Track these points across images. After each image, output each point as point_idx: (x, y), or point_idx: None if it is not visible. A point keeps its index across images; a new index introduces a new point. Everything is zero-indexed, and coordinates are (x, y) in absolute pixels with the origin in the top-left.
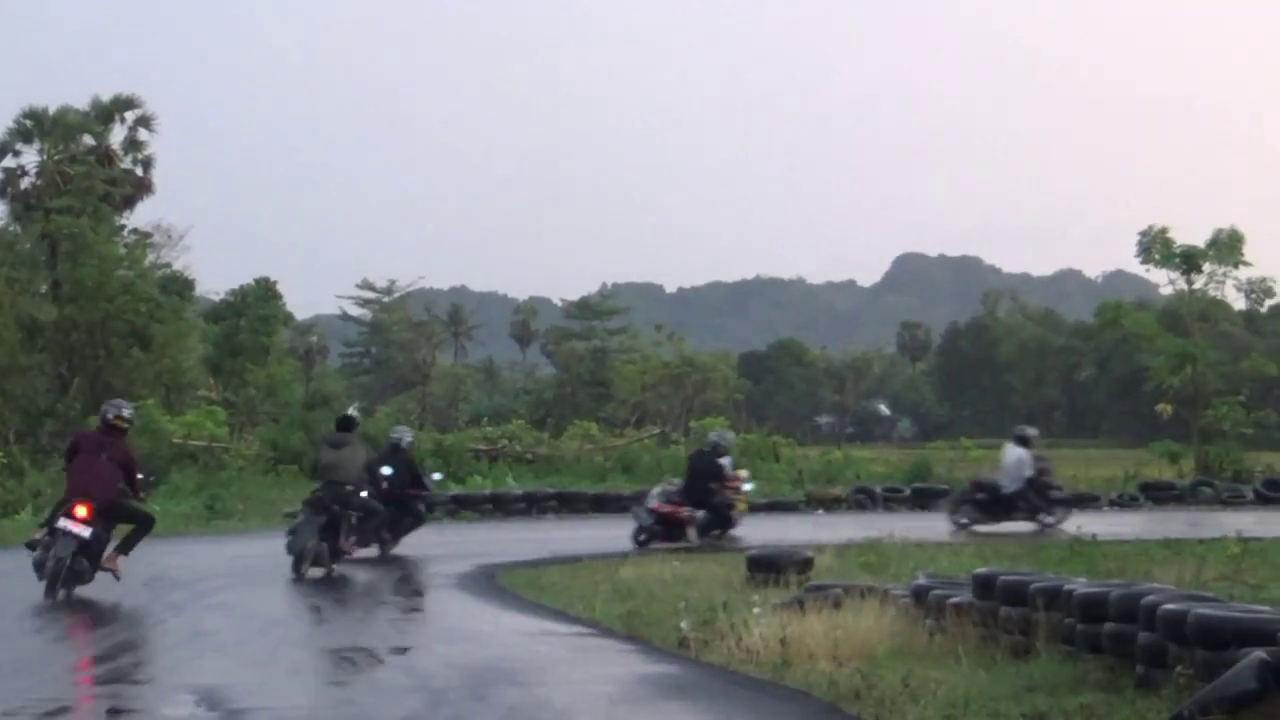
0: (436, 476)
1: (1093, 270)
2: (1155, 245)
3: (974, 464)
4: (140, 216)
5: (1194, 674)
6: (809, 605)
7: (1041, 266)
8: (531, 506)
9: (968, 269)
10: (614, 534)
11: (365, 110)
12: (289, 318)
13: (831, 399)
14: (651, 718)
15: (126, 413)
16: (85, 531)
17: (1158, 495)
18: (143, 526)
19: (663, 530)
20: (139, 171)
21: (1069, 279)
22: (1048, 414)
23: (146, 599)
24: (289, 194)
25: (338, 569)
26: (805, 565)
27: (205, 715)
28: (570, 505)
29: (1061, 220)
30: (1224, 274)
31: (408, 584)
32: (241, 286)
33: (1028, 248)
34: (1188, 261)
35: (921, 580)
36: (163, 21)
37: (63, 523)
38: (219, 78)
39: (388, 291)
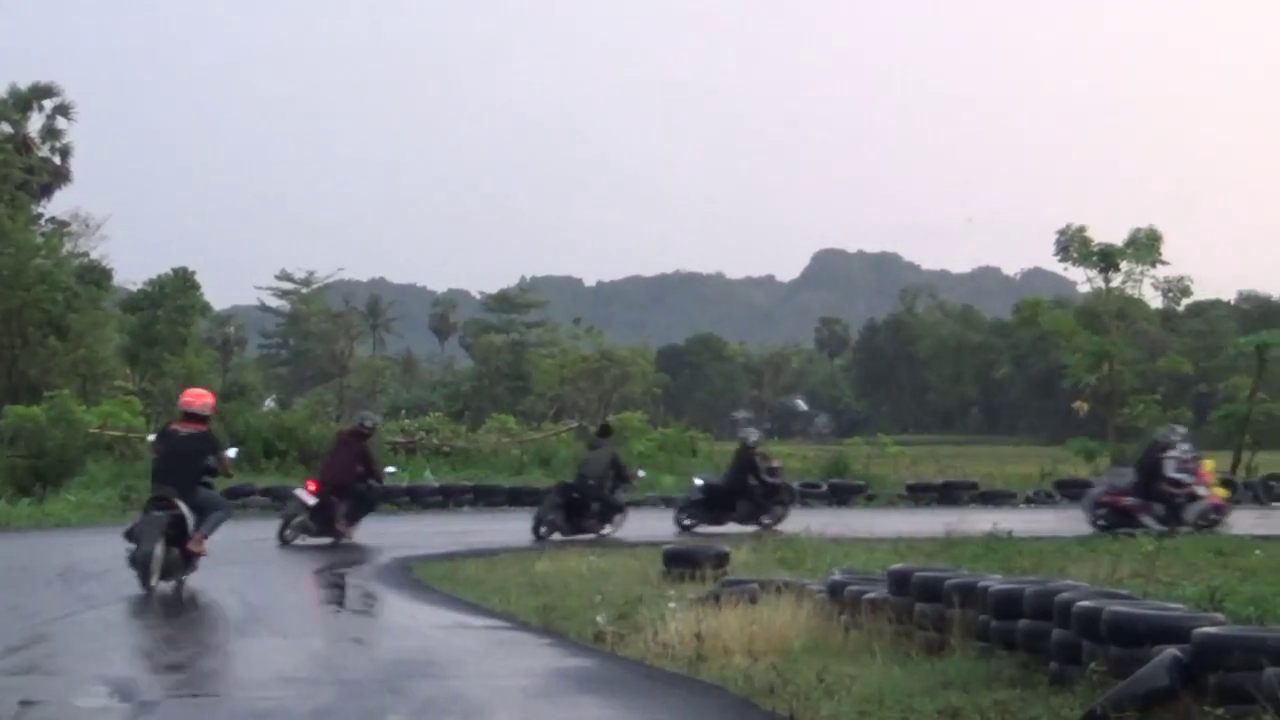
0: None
1: (1011, 268)
2: (1073, 244)
3: (891, 460)
4: (58, 205)
5: (1107, 671)
6: (725, 600)
7: (960, 264)
8: (448, 499)
9: (886, 265)
10: (530, 527)
11: (285, 100)
12: (207, 308)
13: (749, 394)
14: (567, 711)
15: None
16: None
17: (1074, 493)
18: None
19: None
20: (57, 160)
21: (987, 276)
22: (965, 411)
23: (60, 590)
24: (208, 184)
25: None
26: (721, 560)
27: (118, 707)
28: (487, 498)
29: (981, 217)
30: (1141, 273)
31: (324, 576)
32: (159, 276)
33: (947, 245)
34: (1105, 260)
35: (837, 576)
36: (82, 10)
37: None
38: (138, 67)
39: (306, 283)
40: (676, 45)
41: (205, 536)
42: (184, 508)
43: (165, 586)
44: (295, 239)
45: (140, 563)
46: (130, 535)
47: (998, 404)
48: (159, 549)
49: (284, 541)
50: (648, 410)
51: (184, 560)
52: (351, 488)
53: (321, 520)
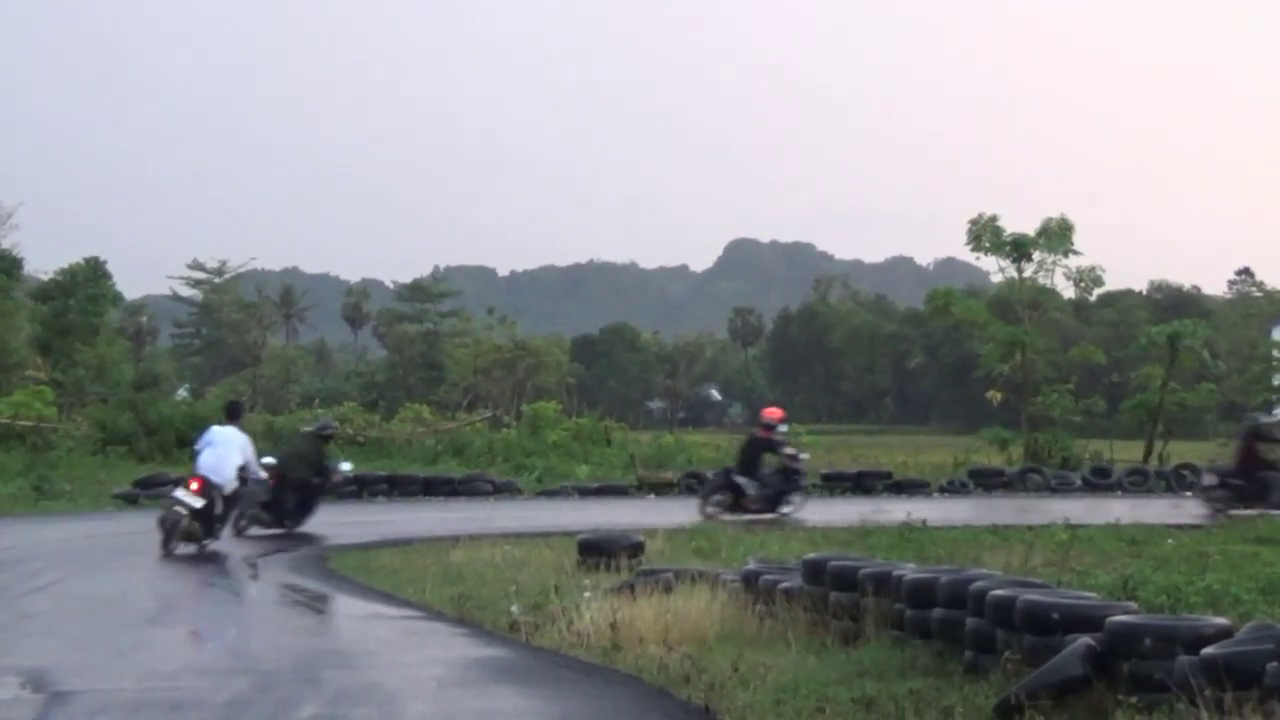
0: (346, 466)
1: (924, 257)
2: (985, 233)
3: (806, 449)
4: None
5: (1022, 659)
6: (640, 590)
7: (873, 253)
8: (362, 489)
9: (800, 255)
10: (444, 517)
11: (197, 90)
12: (118, 298)
13: (663, 384)
14: (481, 701)
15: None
16: None
17: (987, 482)
18: None
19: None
20: None
21: (900, 266)
22: (878, 400)
23: None
24: (119, 173)
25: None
26: (636, 549)
27: (30, 697)
28: (401, 488)
29: (893, 207)
30: (1053, 262)
31: (239, 567)
32: (70, 266)
33: (860, 234)
34: (1017, 250)
35: (752, 565)
36: None
37: None
38: (48, 56)
39: (219, 272)
40: (590, 36)
41: None
42: None
43: (56, 579)
44: (207, 228)
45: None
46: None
47: (911, 393)
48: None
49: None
50: (561, 400)
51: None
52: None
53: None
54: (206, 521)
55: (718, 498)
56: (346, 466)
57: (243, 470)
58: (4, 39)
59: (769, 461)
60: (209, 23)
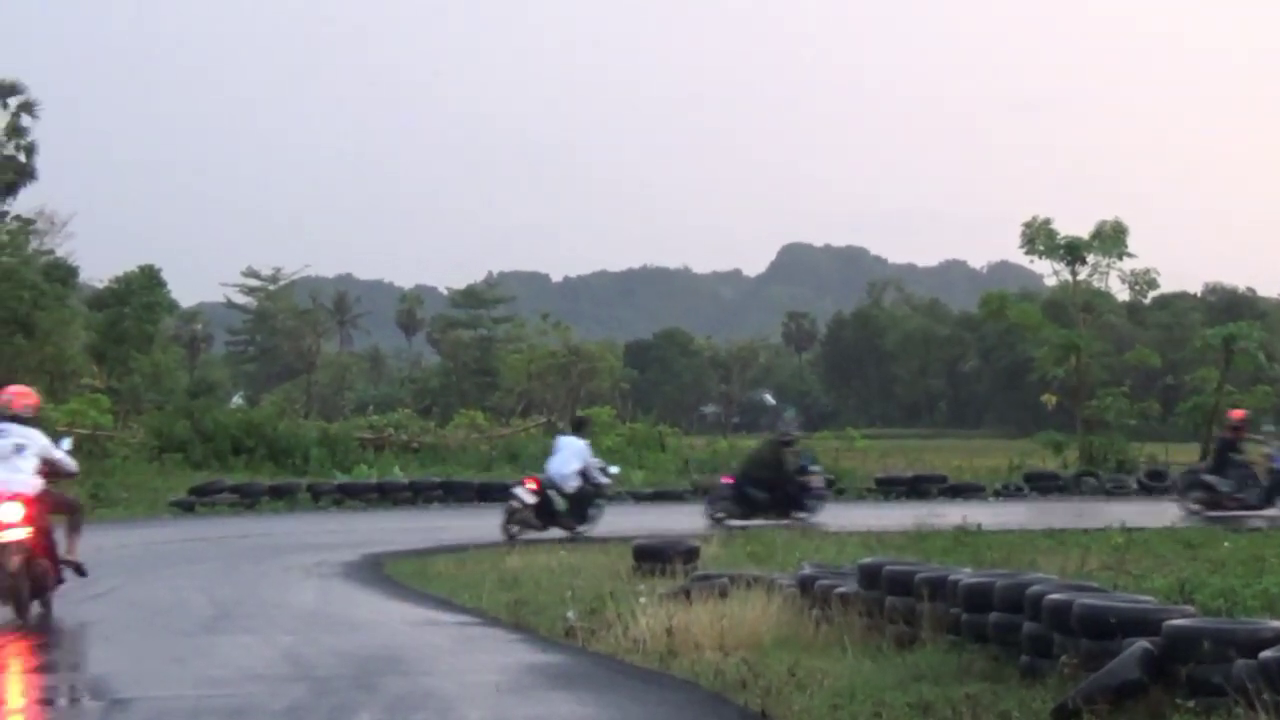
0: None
1: (978, 261)
2: (1039, 236)
3: (859, 453)
4: (23, 203)
5: (1079, 664)
6: (695, 595)
7: (927, 257)
8: (417, 495)
9: (853, 259)
10: (500, 522)
11: (251, 96)
12: (173, 305)
13: (717, 389)
14: (538, 707)
15: None
16: None
17: (1042, 486)
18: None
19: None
20: (21, 158)
21: (954, 269)
22: (932, 404)
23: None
24: (174, 181)
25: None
26: (691, 555)
27: (90, 705)
28: (456, 494)
29: (946, 210)
30: (1108, 265)
31: (295, 573)
32: (126, 274)
33: (913, 238)
34: (1071, 253)
35: (807, 570)
36: (46, 8)
37: None
38: (103, 63)
39: (273, 279)
40: (643, 41)
41: None
42: None
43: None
44: (261, 236)
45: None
46: None
47: (965, 397)
48: None
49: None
50: (615, 405)
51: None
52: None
53: (543, 515)
54: (544, 515)
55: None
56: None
57: (582, 473)
58: (58, 49)
59: None
60: (262, 31)
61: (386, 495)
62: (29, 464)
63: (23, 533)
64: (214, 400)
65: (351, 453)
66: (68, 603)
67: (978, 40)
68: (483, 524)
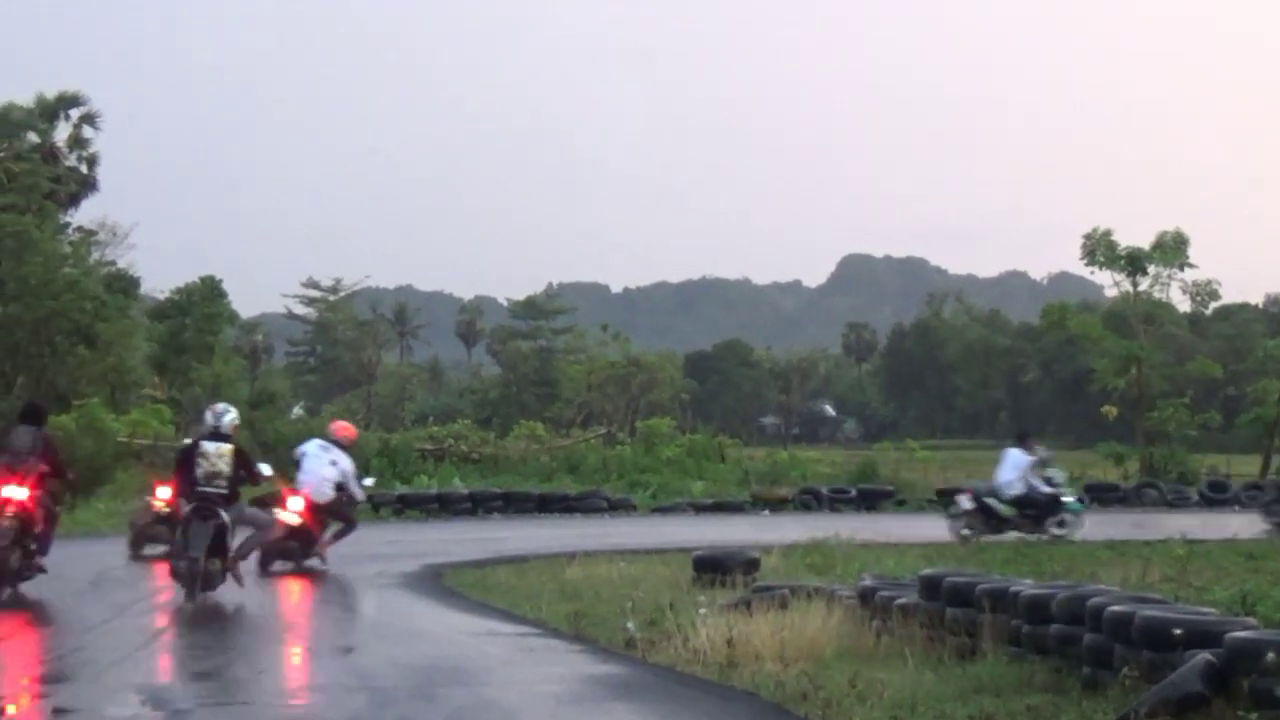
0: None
1: (1038, 272)
2: (1099, 247)
3: (920, 465)
4: (85, 214)
5: (1140, 676)
6: (755, 606)
7: (987, 268)
8: (477, 506)
9: (913, 270)
10: (560, 534)
11: (311, 107)
12: (234, 316)
13: (777, 399)
14: (598, 718)
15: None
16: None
17: (1103, 497)
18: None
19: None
20: (83, 169)
21: (1014, 280)
22: (993, 415)
23: (92, 599)
24: (235, 192)
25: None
26: (751, 566)
27: (150, 715)
28: (516, 505)
29: (1007, 221)
30: (1168, 276)
31: (356, 584)
32: (187, 285)
33: (973, 249)
34: (1132, 264)
35: (868, 581)
36: (108, 18)
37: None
38: (164, 75)
39: (333, 290)
40: (701, 52)
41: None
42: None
43: (176, 597)
44: (322, 247)
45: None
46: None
47: (1025, 408)
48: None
49: None
50: (675, 416)
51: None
52: None
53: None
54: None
55: None
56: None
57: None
58: (120, 60)
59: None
60: (324, 43)
61: (446, 506)
62: (331, 479)
63: (295, 519)
64: (274, 411)
65: (411, 463)
66: (133, 614)
67: (1038, 52)
68: (543, 534)
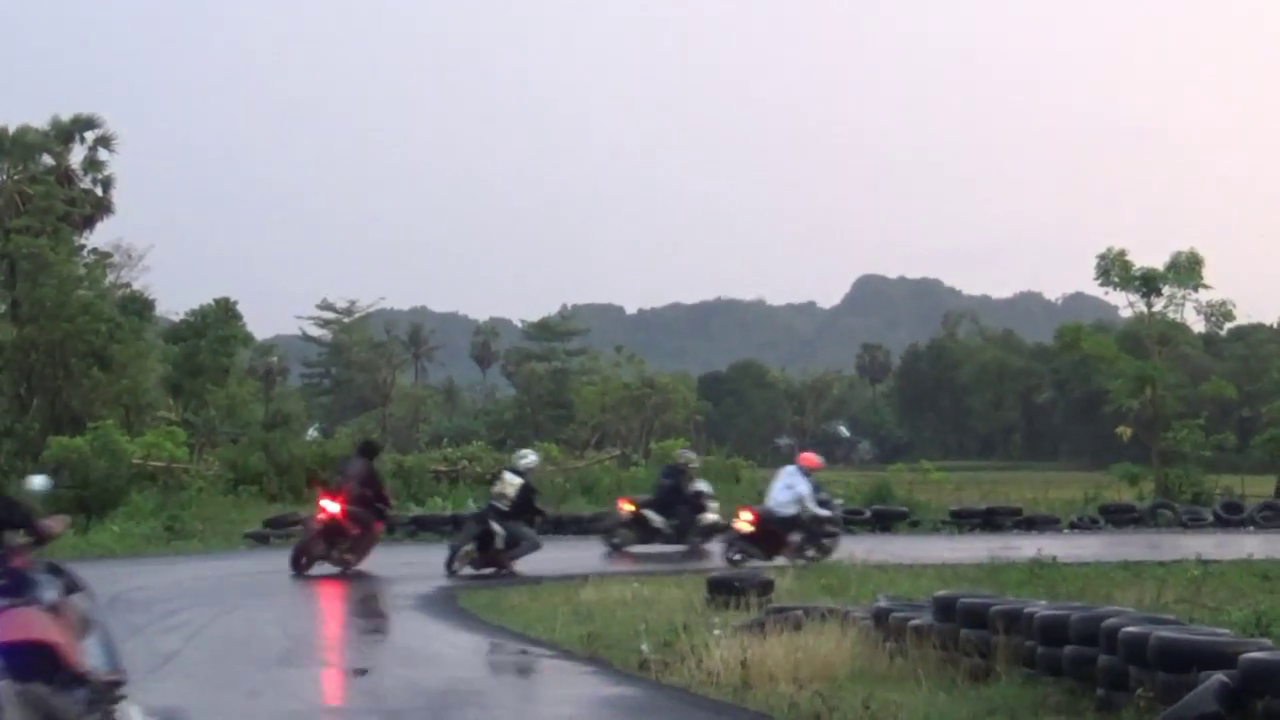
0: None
1: (1052, 292)
2: (1114, 268)
3: (934, 485)
4: (100, 236)
5: (1155, 697)
6: (770, 627)
7: (1001, 289)
8: None
9: (928, 291)
10: (574, 555)
11: (325, 130)
12: (249, 338)
13: (791, 420)
14: None
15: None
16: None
17: (1117, 518)
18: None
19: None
20: (99, 191)
21: (1029, 301)
22: (1007, 436)
23: (107, 620)
24: (249, 214)
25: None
26: (766, 587)
27: None
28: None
29: (1021, 242)
30: (1183, 296)
31: (369, 605)
32: (201, 307)
33: (988, 270)
34: (1147, 284)
35: (882, 602)
36: (123, 41)
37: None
38: (178, 98)
39: (348, 312)
40: (715, 73)
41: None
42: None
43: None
44: (336, 268)
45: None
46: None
47: (1040, 429)
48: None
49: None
50: (690, 438)
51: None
52: None
53: None
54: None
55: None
56: None
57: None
58: (135, 82)
59: None
60: (338, 65)
61: (461, 527)
62: (786, 500)
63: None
64: (289, 433)
65: (426, 485)
66: (147, 635)
67: (1051, 74)
68: (557, 556)
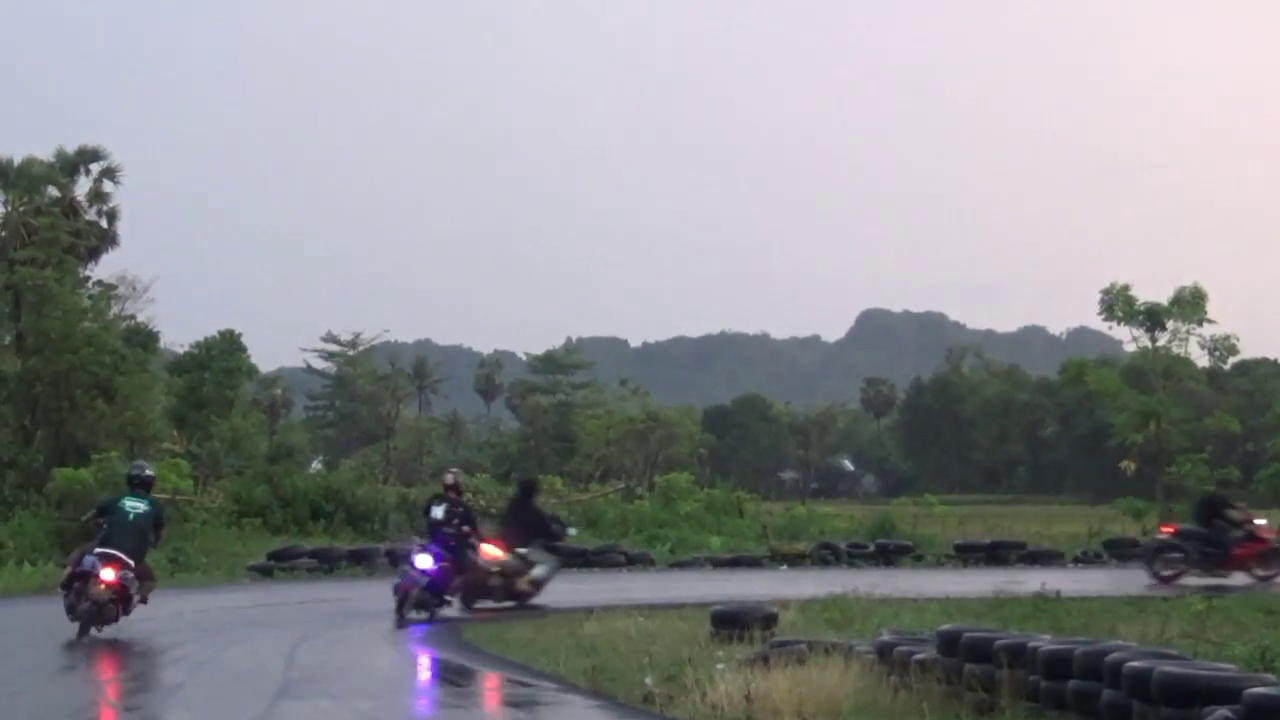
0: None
1: (1056, 327)
2: (1117, 302)
3: (938, 519)
4: (105, 268)
5: None
6: (774, 661)
7: (1005, 323)
8: None
9: (932, 325)
10: (577, 588)
11: (331, 162)
12: (253, 370)
13: (795, 454)
14: None
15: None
16: None
17: (1122, 552)
18: None
19: None
20: (103, 223)
21: (1033, 335)
22: (1011, 470)
23: (110, 652)
24: (254, 246)
25: None
26: (770, 621)
27: None
28: None
29: (1025, 276)
30: (1187, 331)
31: (374, 639)
32: (206, 339)
33: (992, 304)
34: (1151, 319)
35: (886, 636)
36: (128, 73)
37: None
38: (184, 130)
39: (352, 344)
40: (720, 106)
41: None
42: None
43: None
44: (341, 301)
45: None
46: None
47: (1044, 463)
48: None
49: None
50: (694, 471)
51: None
52: None
53: None
54: None
55: None
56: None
57: None
58: (141, 114)
59: None
60: (341, 94)
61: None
62: None
63: None
64: (293, 465)
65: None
66: (147, 666)
67: (1055, 108)
68: (561, 589)
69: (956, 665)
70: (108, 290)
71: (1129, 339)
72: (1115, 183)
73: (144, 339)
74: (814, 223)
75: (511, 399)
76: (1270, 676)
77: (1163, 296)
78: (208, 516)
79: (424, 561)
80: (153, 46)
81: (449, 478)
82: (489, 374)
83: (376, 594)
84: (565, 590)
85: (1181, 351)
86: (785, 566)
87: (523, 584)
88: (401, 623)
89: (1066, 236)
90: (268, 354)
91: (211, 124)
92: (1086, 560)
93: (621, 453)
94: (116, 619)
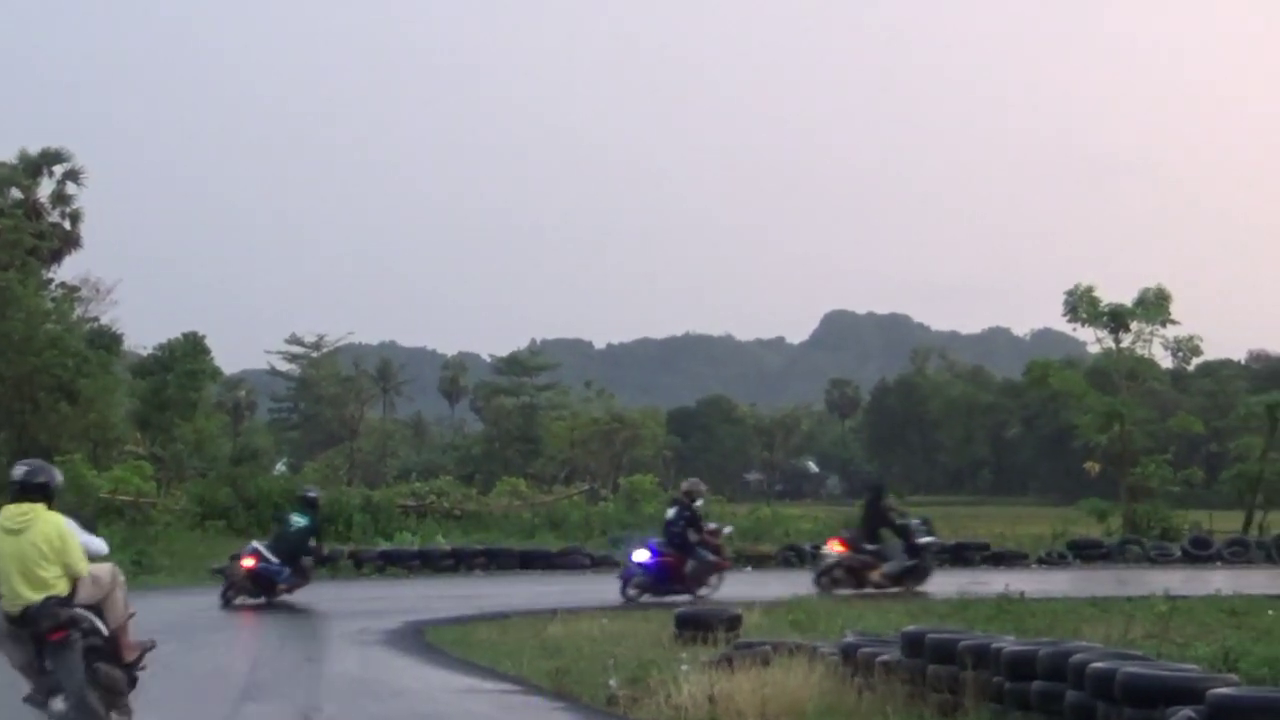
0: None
1: (1021, 328)
2: (1082, 304)
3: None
4: (68, 270)
5: None
6: (738, 663)
7: (970, 324)
8: (460, 563)
9: (896, 326)
10: (542, 590)
11: (293, 165)
12: (217, 373)
13: (760, 456)
14: None
15: None
16: None
17: (1086, 553)
18: None
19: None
20: (67, 225)
21: (997, 336)
22: (976, 471)
23: None
24: (218, 249)
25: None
26: (734, 623)
27: None
28: (498, 562)
29: (990, 278)
30: (1151, 332)
31: (337, 641)
32: (169, 341)
33: (956, 305)
34: (1115, 320)
35: (850, 638)
36: (90, 75)
37: None
38: (148, 132)
39: (316, 347)
40: (684, 108)
41: None
42: None
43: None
44: (305, 303)
45: None
46: None
47: (1009, 464)
48: None
49: None
50: (658, 472)
51: None
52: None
53: None
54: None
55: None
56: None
57: None
58: (103, 116)
59: None
60: (304, 95)
61: (429, 563)
62: None
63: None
64: (257, 467)
65: (394, 520)
66: None
67: (1020, 110)
68: (524, 591)
69: (921, 667)
70: (71, 292)
71: (1093, 340)
72: (1080, 185)
73: (107, 341)
74: (778, 224)
75: (476, 401)
76: (1233, 677)
77: (1127, 298)
78: (171, 519)
79: (640, 555)
80: (117, 48)
81: (685, 484)
82: (453, 376)
83: (340, 595)
84: (529, 593)
85: (1145, 353)
86: (750, 568)
87: (875, 576)
88: (627, 601)
89: (1031, 238)
90: (231, 356)
91: (176, 127)
92: (1051, 561)
93: (586, 454)
94: (259, 596)
